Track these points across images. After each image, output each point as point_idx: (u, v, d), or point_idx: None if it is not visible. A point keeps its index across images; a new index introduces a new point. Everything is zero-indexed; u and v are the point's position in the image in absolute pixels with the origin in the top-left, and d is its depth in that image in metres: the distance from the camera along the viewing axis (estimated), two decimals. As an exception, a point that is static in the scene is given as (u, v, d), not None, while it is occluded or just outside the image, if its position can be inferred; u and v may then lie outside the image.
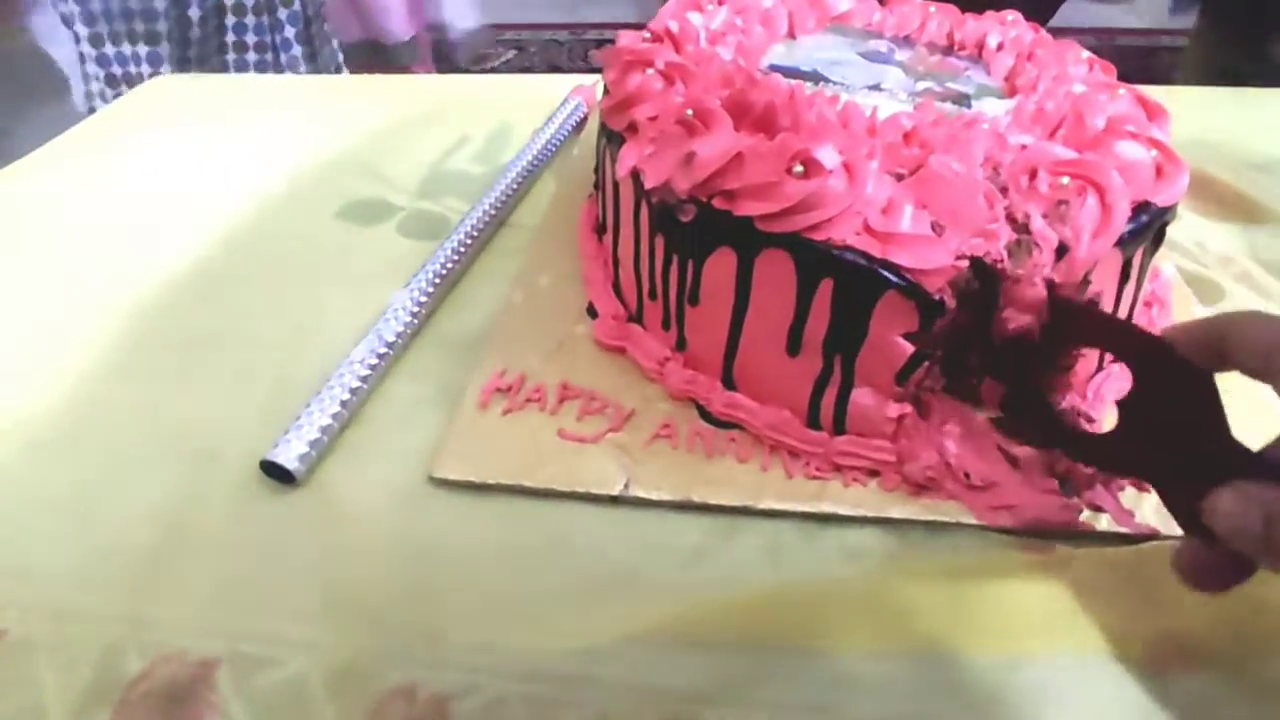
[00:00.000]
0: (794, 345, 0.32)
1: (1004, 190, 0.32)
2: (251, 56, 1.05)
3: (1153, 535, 0.31)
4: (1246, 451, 0.25)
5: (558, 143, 0.56)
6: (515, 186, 0.51)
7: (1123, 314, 0.36)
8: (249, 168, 0.57)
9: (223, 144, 0.61)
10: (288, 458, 0.34)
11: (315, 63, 1.10)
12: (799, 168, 0.31)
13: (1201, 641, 0.28)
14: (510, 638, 0.29)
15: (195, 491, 0.34)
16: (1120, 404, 0.28)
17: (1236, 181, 0.53)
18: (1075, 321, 0.31)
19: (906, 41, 0.47)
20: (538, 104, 0.61)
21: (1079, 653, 0.28)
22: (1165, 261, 0.45)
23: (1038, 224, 0.30)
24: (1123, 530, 0.31)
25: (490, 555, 0.32)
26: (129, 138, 0.63)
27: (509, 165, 0.52)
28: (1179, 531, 0.30)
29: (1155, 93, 0.40)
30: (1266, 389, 0.24)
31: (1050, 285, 0.31)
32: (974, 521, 0.32)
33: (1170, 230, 0.49)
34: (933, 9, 0.50)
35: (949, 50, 0.46)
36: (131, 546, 0.32)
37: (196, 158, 0.60)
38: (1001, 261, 0.31)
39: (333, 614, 0.30)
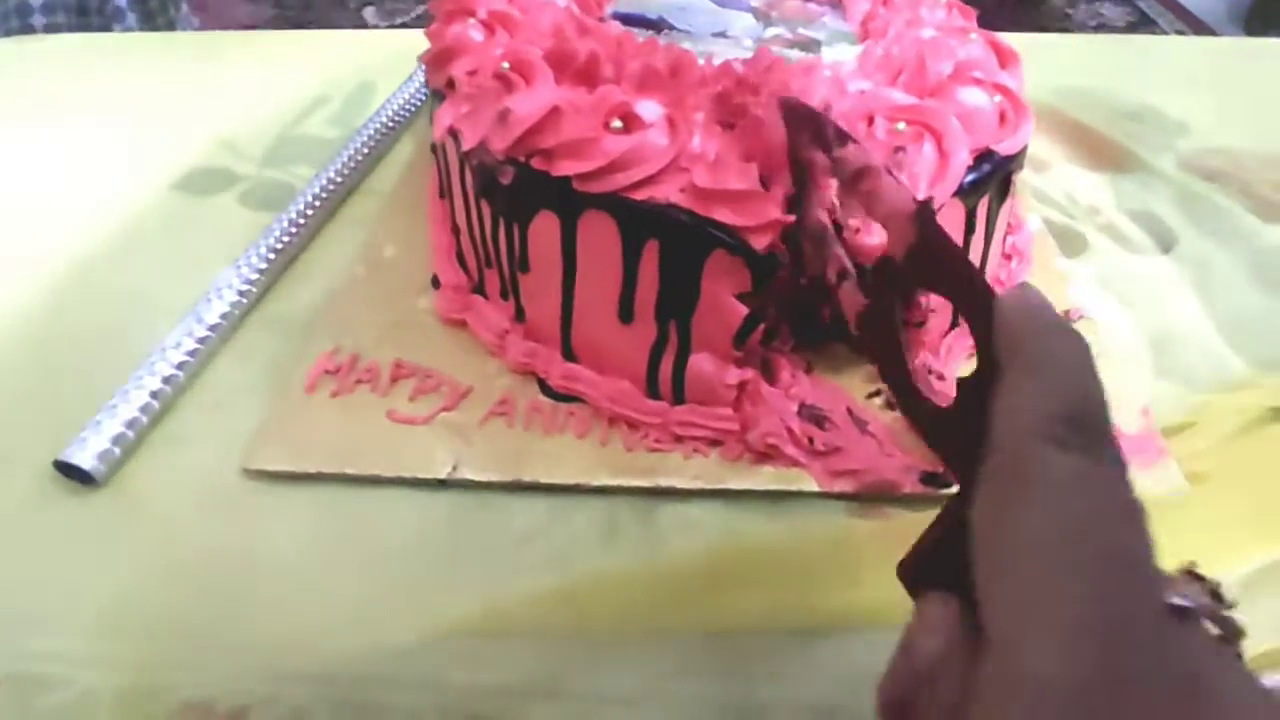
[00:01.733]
0: (626, 312, 0.30)
1: None
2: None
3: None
4: None
5: (418, 102, 0.52)
6: (367, 150, 0.47)
7: (973, 267, 0.35)
8: (77, 135, 0.52)
9: (48, 110, 0.55)
10: (84, 457, 0.31)
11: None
12: (617, 122, 0.29)
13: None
14: (318, 641, 0.27)
15: None
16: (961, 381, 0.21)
17: (1109, 130, 0.53)
18: (937, 262, 0.23)
19: (767, -14, 0.45)
20: (404, 61, 0.57)
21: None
22: (1031, 214, 0.45)
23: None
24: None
25: (304, 553, 0.29)
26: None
27: (361, 128, 0.49)
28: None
29: (1033, 40, 0.39)
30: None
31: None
32: (815, 489, 0.31)
33: (1041, 182, 0.49)
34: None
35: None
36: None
37: (18, 125, 0.54)
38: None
39: (126, 626, 0.27)
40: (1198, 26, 1.63)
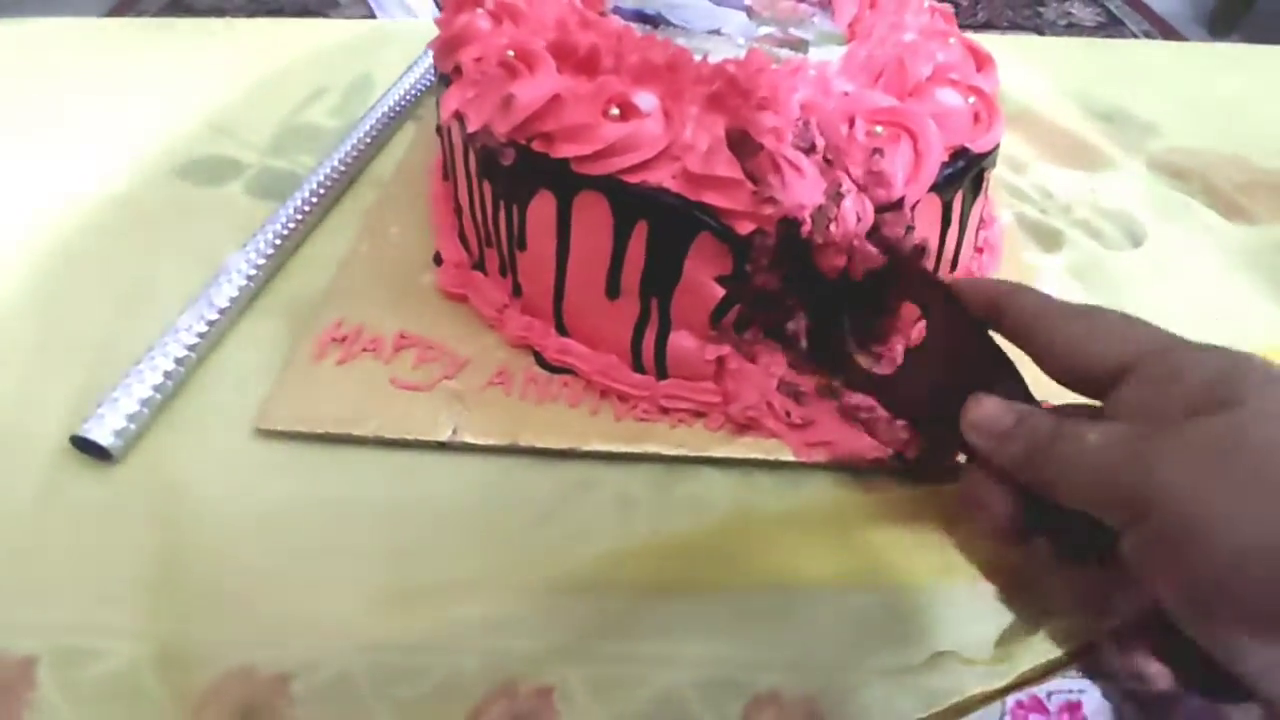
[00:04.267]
0: (613, 288, 0.32)
1: (810, 149, 0.32)
2: None
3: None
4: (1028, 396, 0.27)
5: (417, 93, 0.54)
6: (369, 140, 0.49)
7: (947, 258, 0.37)
8: (71, 120, 0.53)
9: (41, 94, 0.56)
10: (102, 433, 0.32)
11: None
12: (615, 110, 0.31)
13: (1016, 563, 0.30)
14: (350, 607, 0.29)
15: (1, 475, 0.32)
16: (908, 350, 0.29)
17: (1083, 131, 0.56)
18: (897, 272, 0.31)
19: (761, -13, 0.47)
20: (401, 51, 0.59)
21: (916, 580, 0.30)
22: (1004, 209, 0.47)
23: (848, 196, 0.31)
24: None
25: (326, 522, 0.31)
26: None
27: (364, 117, 0.51)
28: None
29: (1005, 42, 0.41)
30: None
31: (881, 235, 0.31)
32: (792, 458, 0.33)
33: (1018, 180, 0.52)
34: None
35: (802, -4, 0.46)
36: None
37: (11, 111, 0.55)
38: (805, 225, 0.31)
39: (160, 597, 0.29)
40: (1163, 27, 1.67)
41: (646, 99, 0.31)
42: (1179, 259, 0.45)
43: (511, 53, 0.33)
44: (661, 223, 0.30)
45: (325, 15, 1.74)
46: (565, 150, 0.30)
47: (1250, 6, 1.59)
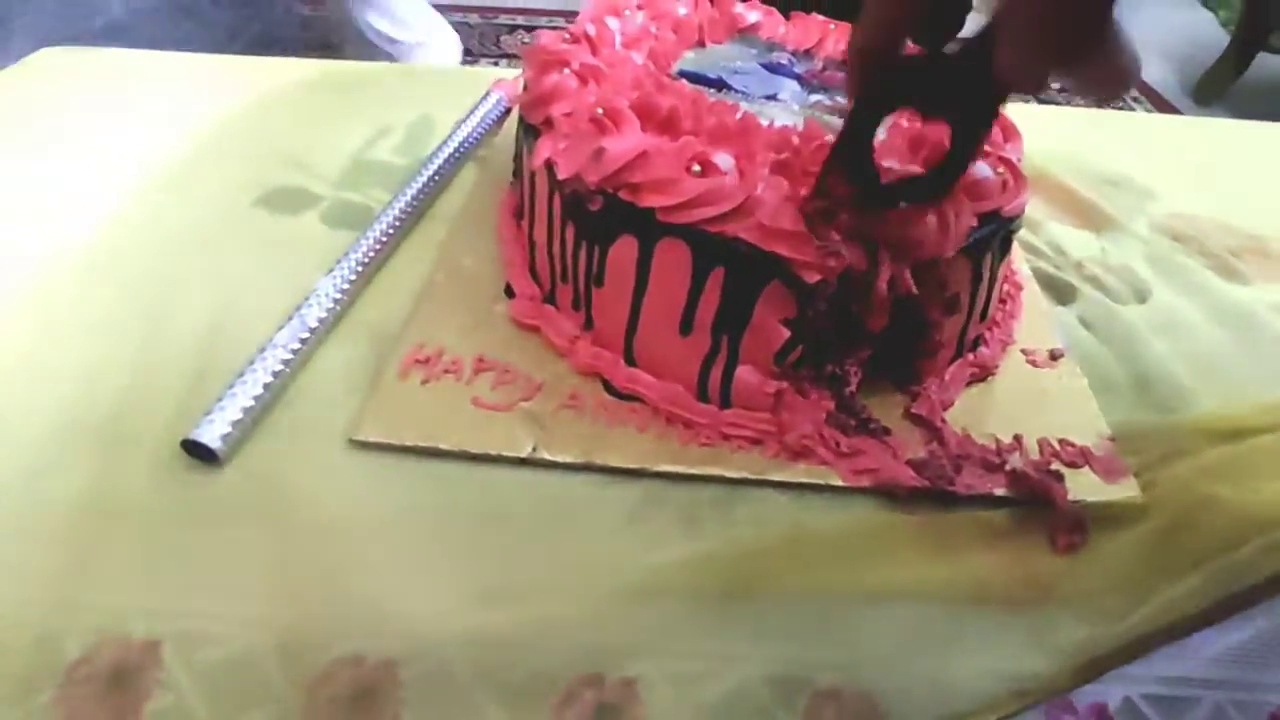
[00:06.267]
0: (686, 325, 0.36)
1: None
2: None
3: (1011, 501, 0.36)
4: None
5: (479, 135, 0.58)
6: (438, 177, 0.53)
7: (976, 313, 0.41)
8: (154, 150, 0.57)
9: (123, 124, 0.60)
10: (210, 436, 0.35)
11: None
12: (697, 167, 0.34)
13: (1043, 582, 0.34)
14: (446, 604, 0.31)
15: (117, 475, 0.35)
16: None
17: (1092, 194, 0.60)
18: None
19: (807, 55, 0.52)
20: (457, 95, 0.63)
21: (951, 595, 0.33)
22: (1022, 263, 0.51)
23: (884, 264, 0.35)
24: (978, 493, 0.36)
25: (417, 526, 0.34)
26: (18, 115, 0.61)
27: (432, 156, 0.54)
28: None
29: (1020, 111, 0.45)
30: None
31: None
32: (840, 483, 0.36)
33: (1034, 238, 0.56)
34: (833, 26, 0.55)
35: (844, 65, 0.51)
36: (55, 533, 0.33)
37: (96, 139, 0.58)
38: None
39: (271, 589, 0.31)
40: (1153, 96, 1.77)
41: (724, 159, 0.35)
42: (1180, 315, 0.49)
43: (601, 110, 0.36)
44: (737, 269, 0.34)
45: (341, 49, 1.79)
46: (651, 200, 0.34)
47: (1234, 81, 1.69)
